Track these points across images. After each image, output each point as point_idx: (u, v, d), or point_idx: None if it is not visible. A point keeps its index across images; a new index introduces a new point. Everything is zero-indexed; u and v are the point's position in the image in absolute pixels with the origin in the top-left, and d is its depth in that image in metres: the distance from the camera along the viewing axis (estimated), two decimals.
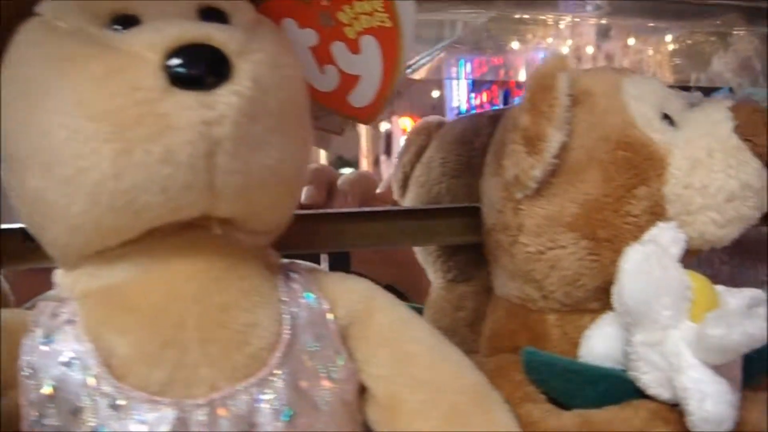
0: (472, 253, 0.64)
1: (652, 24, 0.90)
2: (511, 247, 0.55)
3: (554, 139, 0.50)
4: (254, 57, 0.44)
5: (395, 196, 0.74)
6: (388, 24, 0.51)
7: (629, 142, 0.52)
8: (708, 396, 0.46)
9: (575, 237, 0.52)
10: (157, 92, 0.41)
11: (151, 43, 0.42)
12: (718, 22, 0.82)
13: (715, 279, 0.76)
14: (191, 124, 0.41)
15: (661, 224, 0.51)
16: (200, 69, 0.42)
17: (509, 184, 0.53)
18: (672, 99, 0.56)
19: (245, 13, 0.48)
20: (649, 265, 0.48)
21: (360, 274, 0.55)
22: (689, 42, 1.23)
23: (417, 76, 1.48)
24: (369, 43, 0.52)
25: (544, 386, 0.52)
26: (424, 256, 0.71)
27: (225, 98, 0.42)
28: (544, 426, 0.50)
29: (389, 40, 0.52)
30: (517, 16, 0.79)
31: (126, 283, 0.46)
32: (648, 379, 0.49)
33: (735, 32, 1.11)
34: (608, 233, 0.52)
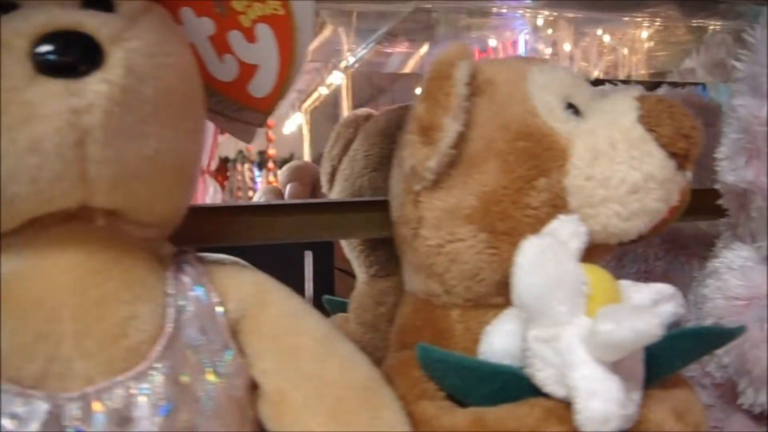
0: (393, 248, 0.63)
1: (581, 15, 0.88)
2: (413, 240, 0.53)
3: (450, 129, 0.49)
4: (129, 44, 0.43)
5: (324, 189, 0.73)
6: (281, 12, 0.50)
7: (530, 132, 0.51)
8: (596, 394, 0.44)
9: (473, 230, 0.51)
10: (22, 80, 0.40)
11: (18, 31, 0.41)
12: (652, 11, 0.80)
13: (649, 275, 0.76)
14: (58, 112, 0.40)
15: (561, 217, 0.50)
16: (69, 56, 0.41)
17: (407, 176, 0.52)
18: (582, 88, 0.54)
19: (132, 1, 0.47)
20: (544, 258, 0.47)
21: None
22: (664, 38, 1.22)
23: (407, 69, 1.47)
24: (264, 32, 0.51)
25: (440, 383, 0.51)
26: (348, 250, 0.70)
27: (95, 86, 0.41)
28: (438, 424, 0.49)
29: (283, 29, 0.51)
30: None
31: (7, 275, 0.45)
32: (543, 376, 0.47)
33: (711, 28, 1.09)
34: (507, 226, 0.50)
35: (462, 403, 0.51)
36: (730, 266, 0.59)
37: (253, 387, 0.49)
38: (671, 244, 0.75)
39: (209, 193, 2.47)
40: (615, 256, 0.76)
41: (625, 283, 0.51)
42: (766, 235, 0.56)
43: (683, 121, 0.51)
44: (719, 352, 0.58)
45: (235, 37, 0.52)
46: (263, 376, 0.49)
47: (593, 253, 0.54)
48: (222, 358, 0.48)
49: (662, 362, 0.51)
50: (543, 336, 0.47)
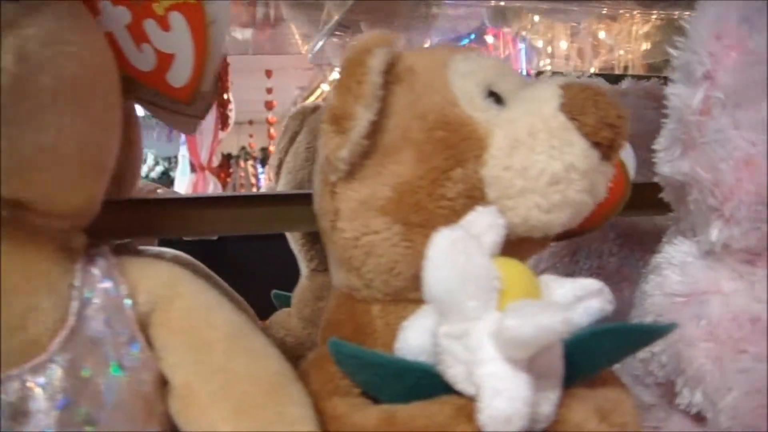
0: None
1: (546, 6, 0.86)
2: (332, 233, 0.52)
3: (362, 117, 0.47)
4: (24, 32, 0.43)
5: (273, 182, 0.72)
6: (192, 0, 0.49)
7: (447, 121, 0.49)
8: (500, 392, 0.43)
9: (388, 222, 0.49)
10: None
11: None
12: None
13: (602, 271, 0.73)
14: None
15: (479, 209, 0.48)
16: None
17: (323, 166, 0.51)
18: (508, 77, 0.52)
19: None
20: (454, 252, 0.45)
21: None
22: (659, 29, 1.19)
23: None
24: (177, 20, 0.50)
25: (354, 379, 0.49)
26: (293, 244, 0.69)
27: None
28: (349, 421, 0.47)
29: (196, 17, 0.50)
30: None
31: None
32: (453, 373, 0.46)
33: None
34: (421, 218, 0.49)
35: (378, 400, 0.50)
36: (670, 262, 0.57)
37: (164, 382, 0.49)
38: (626, 240, 0.72)
39: (209, 190, 2.49)
40: (569, 252, 0.74)
41: (548, 278, 0.49)
42: (705, 229, 0.54)
43: (608, 109, 0.49)
44: (657, 350, 0.56)
45: (150, 26, 0.51)
46: (171, 370, 0.48)
47: (523, 247, 0.53)
48: (128, 351, 0.47)
49: (585, 360, 0.48)
50: (453, 332, 0.46)
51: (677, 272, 0.56)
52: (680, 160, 0.54)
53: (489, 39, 1.84)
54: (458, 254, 0.45)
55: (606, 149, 0.49)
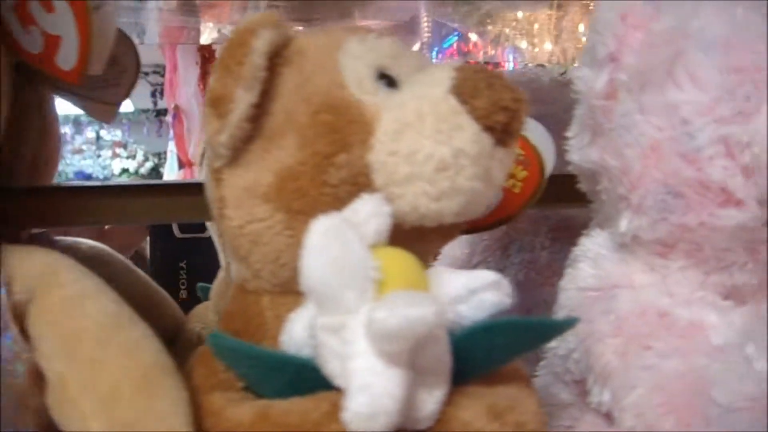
0: None
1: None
2: (220, 221, 0.50)
3: (242, 100, 0.45)
4: None
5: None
6: None
7: (333, 104, 0.47)
8: (366, 388, 0.40)
9: (270, 209, 0.47)
10: None
11: None
12: None
13: (533, 265, 0.71)
14: None
15: (364, 196, 0.46)
16: None
17: (207, 152, 0.49)
18: (407, 60, 0.50)
19: None
20: (328, 240, 0.43)
21: None
22: None
23: None
24: (60, 1, 0.49)
25: (236, 373, 0.47)
26: (215, 236, 0.67)
27: None
28: (224, 416, 0.45)
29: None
30: None
31: None
32: (331, 368, 0.43)
33: None
34: (303, 205, 0.46)
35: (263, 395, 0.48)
36: (586, 255, 0.54)
37: (40, 375, 0.47)
38: (559, 234, 0.70)
39: None
40: (501, 245, 0.72)
41: (440, 270, 0.47)
42: (616, 219, 0.51)
43: (503, 92, 0.46)
44: (572, 346, 0.53)
45: (35, 7, 0.50)
46: (45, 362, 0.47)
47: (427, 237, 0.51)
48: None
49: (478, 356, 0.46)
50: (330, 324, 0.43)
51: (590, 265, 0.53)
52: (589, 148, 0.51)
53: (473, 37, 1.81)
54: (332, 243, 0.43)
55: (500, 134, 0.47)
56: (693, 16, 0.48)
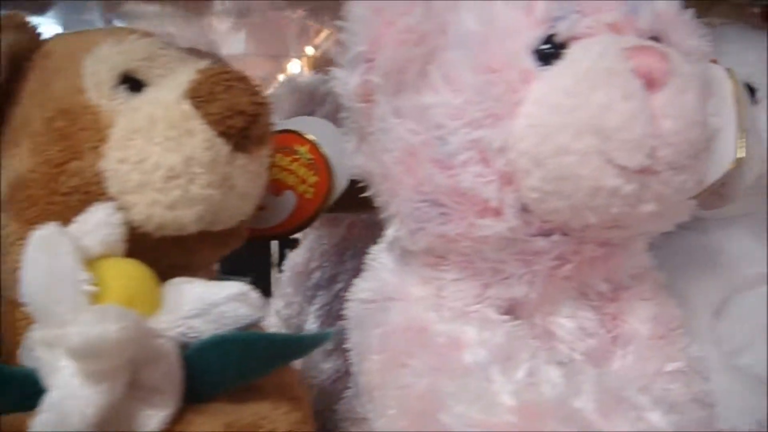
0: None
1: None
2: None
3: None
4: None
5: None
6: None
7: (68, 109, 0.45)
8: (56, 407, 0.39)
9: (5, 219, 0.46)
10: None
11: None
12: None
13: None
14: None
15: (96, 205, 0.44)
16: None
17: None
18: (166, 60, 0.48)
19: None
20: (40, 251, 0.41)
21: None
22: None
23: None
24: None
25: None
26: None
27: None
28: None
29: None
30: None
31: None
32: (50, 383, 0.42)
33: None
34: (34, 215, 0.45)
35: None
36: (370, 265, 0.52)
37: None
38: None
39: None
40: (337, 251, 0.69)
41: (178, 282, 0.45)
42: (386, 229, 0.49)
43: (241, 96, 0.44)
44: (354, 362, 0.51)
45: None
46: None
47: (194, 247, 0.49)
48: None
49: (215, 372, 0.44)
50: (44, 338, 0.42)
51: (371, 276, 0.51)
52: (356, 153, 0.48)
53: None
54: (43, 255, 0.42)
55: (238, 139, 0.44)
56: (449, 10, 0.45)
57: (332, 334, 0.46)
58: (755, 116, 0.55)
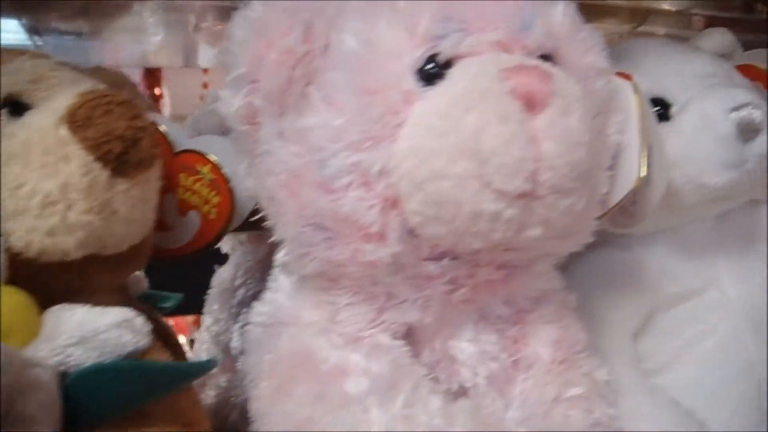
0: None
1: None
2: None
3: None
4: None
5: None
6: None
7: None
8: None
9: None
10: None
11: None
12: None
13: None
14: None
15: None
16: None
17: None
18: (54, 82, 0.47)
19: None
20: None
21: None
22: None
23: None
24: None
25: None
26: None
27: None
28: None
29: None
30: None
31: None
32: None
33: None
34: None
35: None
36: (270, 287, 0.51)
37: None
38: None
39: None
40: (261, 267, 0.68)
41: (59, 309, 0.44)
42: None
43: (119, 120, 0.43)
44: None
45: None
46: None
47: (88, 270, 0.48)
48: None
49: (96, 400, 0.43)
50: None
51: (268, 299, 0.50)
52: (246, 175, 0.47)
53: None
54: None
55: (117, 164, 0.44)
56: (332, 30, 0.44)
57: (218, 362, 0.45)
58: (668, 132, 0.54)
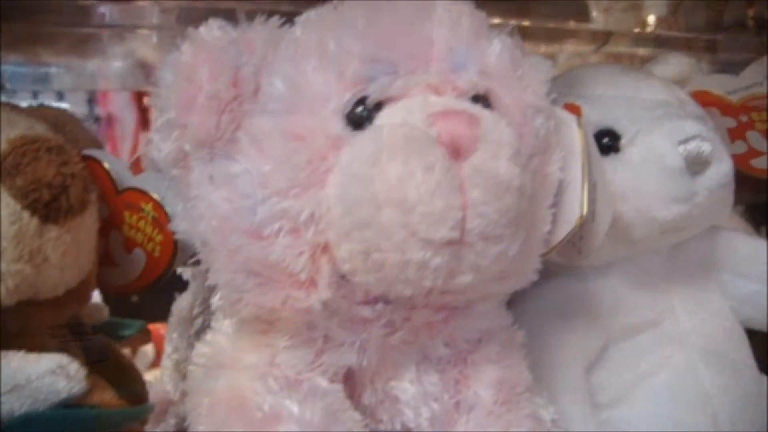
0: None
1: None
2: None
3: None
4: None
5: None
6: None
7: None
8: None
9: None
10: None
11: None
12: None
13: None
14: None
15: None
16: None
17: None
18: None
19: None
20: None
21: None
22: None
23: None
24: None
25: None
26: None
27: None
28: None
29: None
30: None
31: None
32: None
33: None
34: None
35: None
36: (212, 326, 0.50)
37: None
38: None
39: None
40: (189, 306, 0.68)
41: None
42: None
43: (47, 168, 0.43)
44: None
45: None
46: None
47: (28, 311, 0.48)
48: None
49: None
50: None
51: (210, 340, 0.49)
52: (181, 218, 0.47)
53: None
54: None
55: (46, 211, 0.43)
56: (261, 74, 0.43)
57: (152, 408, 0.45)
58: (617, 164, 0.53)
